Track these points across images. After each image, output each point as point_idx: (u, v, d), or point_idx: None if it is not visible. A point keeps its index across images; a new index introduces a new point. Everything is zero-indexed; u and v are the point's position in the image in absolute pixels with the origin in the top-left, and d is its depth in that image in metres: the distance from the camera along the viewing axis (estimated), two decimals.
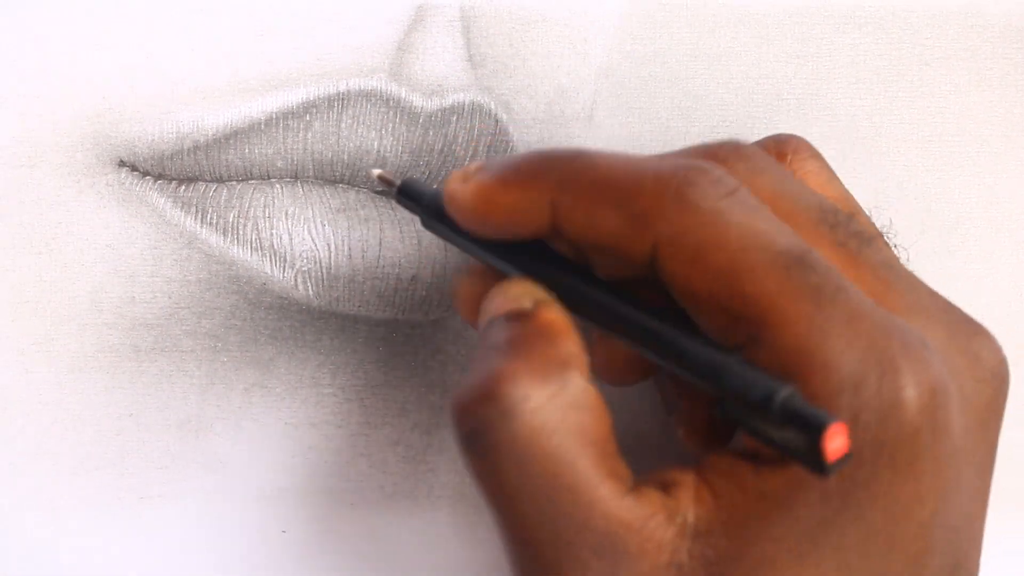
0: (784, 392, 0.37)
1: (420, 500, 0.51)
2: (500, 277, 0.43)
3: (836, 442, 0.36)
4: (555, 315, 0.41)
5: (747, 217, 0.39)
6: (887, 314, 0.39)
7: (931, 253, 0.53)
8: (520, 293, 0.42)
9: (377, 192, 0.49)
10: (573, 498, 0.38)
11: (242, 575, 0.50)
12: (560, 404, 0.39)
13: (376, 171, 0.46)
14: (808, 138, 0.51)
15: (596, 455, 0.39)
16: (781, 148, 0.46)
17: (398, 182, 0.45)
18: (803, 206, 0.41)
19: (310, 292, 0.49)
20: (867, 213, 0.46)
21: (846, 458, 0.36)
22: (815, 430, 0.36)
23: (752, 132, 0.51)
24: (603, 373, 0.43)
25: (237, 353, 0.49)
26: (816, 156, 0.46)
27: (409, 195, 0.45)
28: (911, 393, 0.37)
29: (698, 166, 0.40)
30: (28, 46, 0.46)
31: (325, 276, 0.48)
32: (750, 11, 0.51)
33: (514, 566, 0.40)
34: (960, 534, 0.39)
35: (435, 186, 0.47)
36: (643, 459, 0.42)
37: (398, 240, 0.49)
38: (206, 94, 0.47)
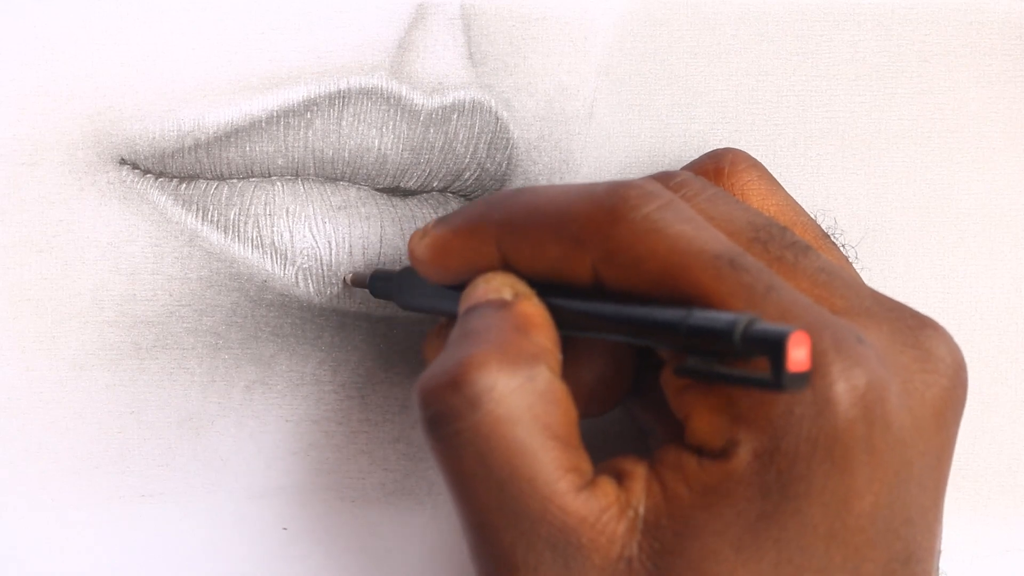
0: (745, 318, 0.37)
1: (421, 497, 0.51)
2: None
3: (798, 353, 0.36)
4: (533, 308, 0.41)
5: (679, 226, 0.40)
6: (820, 311, 0.39)
7: (930, 250, 0.53)
8: (501, 284, 0.42)
9: (378, 190, 0.49)
10: (531, 490, 0.39)
11: (243, 572, 0.50)
12: (526, 396, 0.39)
13: (348, 277, 0.48)
14: (808, 135, 0.51)
15: (558, 448, 0.39)
16: (718, 164, 0.47)
17: (367, 277, 0.48)
18: (735, 226, 0.42)
19: (311, 289, 0.49)
20: (811, 217, 0.47)
21: (806, 375, 0.37)
22: (778, 341, 0.36)
23: (752, 129, 0.51)
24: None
25: (238, 350, 0.49)
26: (753, 166, 0.47)
27: (381, 282, 0.47)
28: (842, 387, 0.38)
29: (629, 183, 0.41)
30: (29, 44, 0.46)
31: (326, 273, 0.48)
32: (750, 9, 0.51)
33: (472, 550, 0.40)
34: (913, 526, 0.40)
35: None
36: (602, 448, 0.42)
37: (399, 237, 0.49)
38: (207, 92, 0.47)
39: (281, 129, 0.48)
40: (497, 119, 0.49)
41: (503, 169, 0.50)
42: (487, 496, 0.39)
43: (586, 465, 0.40)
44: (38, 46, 0.46)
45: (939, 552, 0.42)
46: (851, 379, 0.38)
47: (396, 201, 0.49)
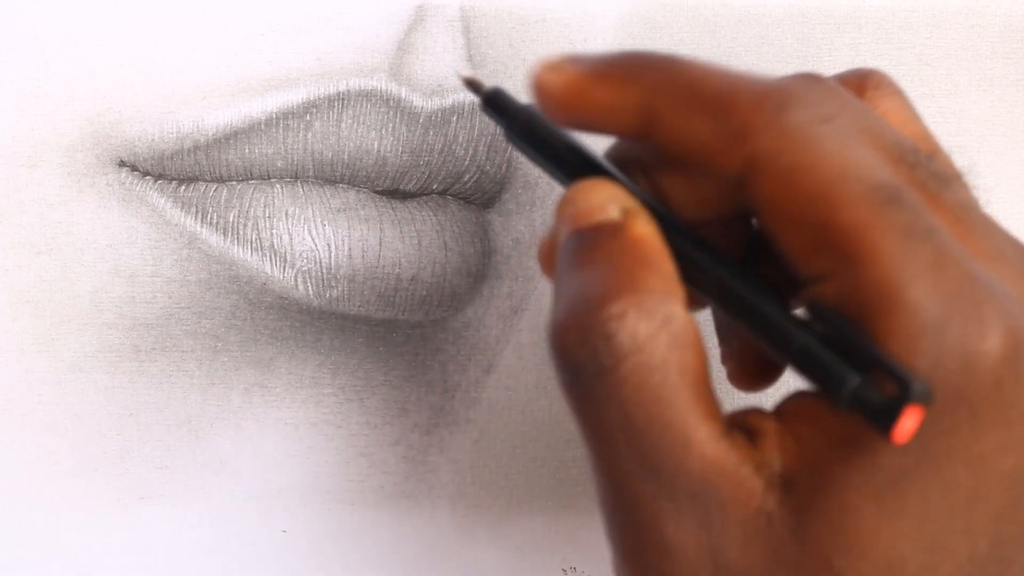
0: (853, 382, 0.36)
1: (420, 500, 0.51)
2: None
3: (908, 423, 0.35)
4: (647, 229, 0.39)
5: (844, 145, 0.37)
6: (974, 261, 0.37)
7: None
8: (606, 199, 0.40)
9: (378, 192, 0.49)
10: (672, 440, 0.37)
11: (242, 575, 0.50)
12: (665, 339, 0.37)
13: (465, 73, 0.44)
14: None
15: (696, 395, 0.37)
16: (862, 82, 0.44)
17: (485, 88, 0.43)
18: (883, 143, 0.39)
19: (310, 292, 0.49)
20: (947, 152, 0.45)
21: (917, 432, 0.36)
22: (887, 417, 0.36)
23: None
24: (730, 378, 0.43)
25: (237, 353, 0.49)
26: (897, 92, 0.44)
27: (494, 106, 0.43)
28: (995, 342, 0.36)
29: (797, 87, 0.38)
30: (29, 46, 0.46)
31: (325, 276, 0.48)
32: (750, 11, 0.51)
33: (607, 508, 0.39)
34: None
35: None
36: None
37: (398, 240, 0.49)
38: (206, 94, 0.47)
39: (280, 131, 0.48)
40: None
41: (503, 171, 0.50)
42: (627, 447, 0.37)
43: (719, 413, 0.38)
44: (38, 47, 0.46)
45: None
46: (1004, 335, 0.36)
47: (395, 203, 0.49)
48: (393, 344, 0.50)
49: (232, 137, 0.47)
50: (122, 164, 0.47)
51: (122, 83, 0.47)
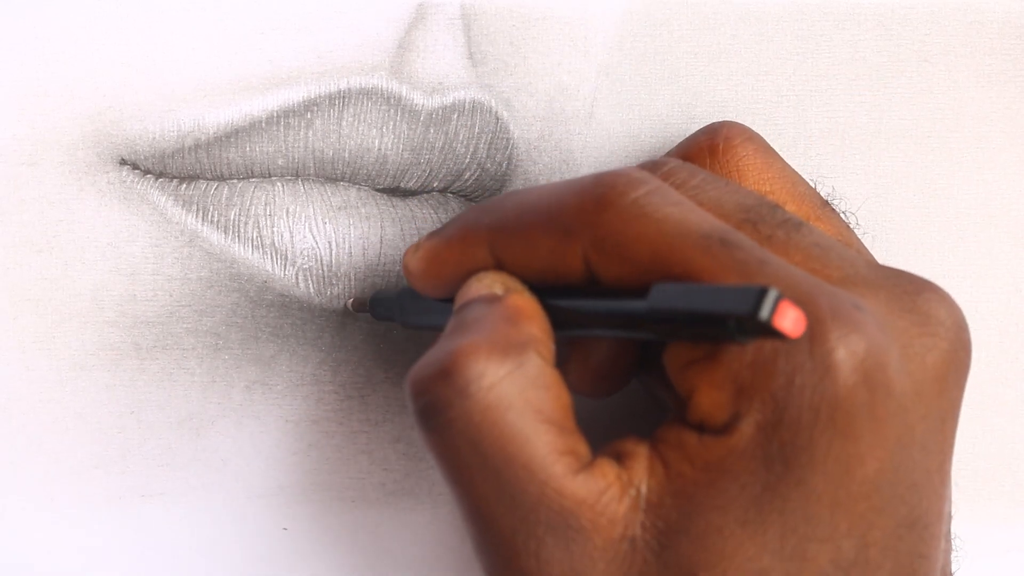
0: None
1: (421, 497, 0.51)
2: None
3: (792, 315, 0.37)
4: (523, 300, 0.41)
5: (667, 208, 0.40)
6: (815, 281, 0.39)
7: (930, 250, 0.53)
8: (493, 281, 0.42)
9: (378, 190, 0.49)
10: (527, 475, 0.39)
11: (243, 572, 0.50)
12: (516, 382, 0.39)
13: (349, 301, 0.49)
14: (808, 135, 0.51)
15: (551, 432, 0.39)
16: (712, 140, 0.47)
17: (368, 298, 0.48)
18: (725, 209, 0.42)
19: (311, 290, 0.49)
20: (809, 186, 0.47)
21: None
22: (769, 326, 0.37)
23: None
24: (578, 386, 0.44)
25: (238, 351, 0.49)
26: (749, 139, 0.47)
27: (382, 303, 0.48)
28: (842, 354, 0.38)
29: (615, 171, 0.41)
30: (29, 44, 0.46)
31: (326, 274, 0.48)
32: (750, 9, 0.51)
33: (473, 540, 0.40)
34: (918, 490, 0.40)
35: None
36: (601, 433, 0.42)
37: (399, 238, 0.49)
38: (207, 92, 0.47)
39: (281, 129, 0.48)
40: (497, 119, 0.49)
41: (503, 169, 0.50)
42: (483, 484, 0.39)
43: (583, 448, 0.40)
44: (38, 46, 0.46)
45: (949, 516, 0.42)
46: (850, 345, 0.38)
47: (396, 201, 0.49)
48: (394, 341, 0.50)
49: (233, 135, 0.47)
50: (123, 162, 0.47)
51: (123, 81, 0.47)
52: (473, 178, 0.49)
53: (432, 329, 0.46)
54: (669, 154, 0.48)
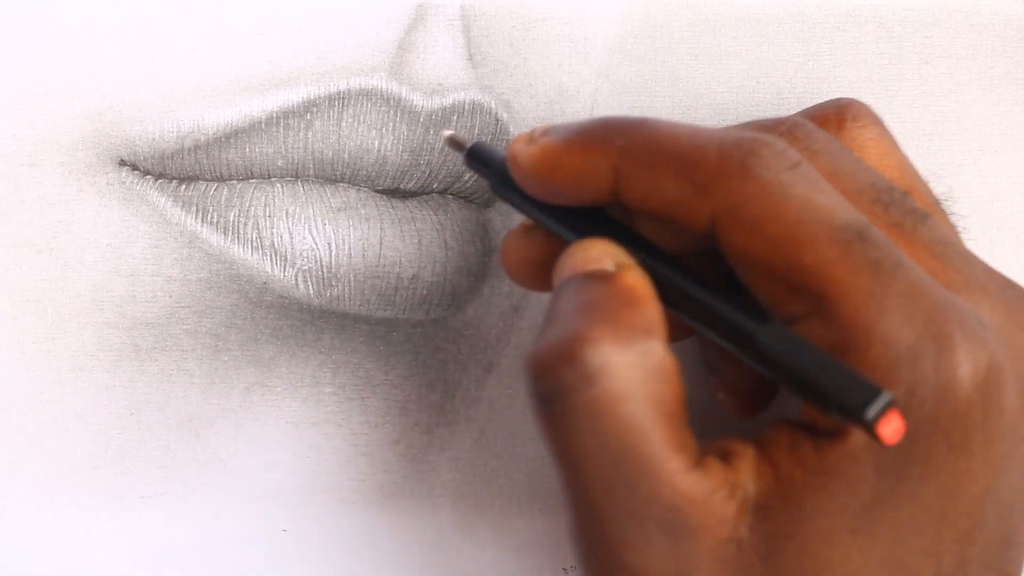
0: (853, 394, 0.37)
1: (421, 499, 0.51)
2: (554, 240, 0.43)
3: (894, 425, 0.37)
4: (637, 280, 0.41)
5: (808, 190, 0.39)
6: (945, 291, 0.39)
7: None
8: (601, 253, 0.41)
9: (378, 191, 0.49)
10: (643, 469, 0.38)
11: (243, 573, 0.50)
12: (640, 372, 0.39)
13: (447, 132, 0.46)
14: None
15: (669, 427, 0.39)
16: (841, 114, 0.45)
17: (468, 144, 0.45)
18: (858, 185, 0.41)
19: (311, 291, 0.49)
20: (925, 182, 0.46)
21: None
22: (868, 422, 0.37)
23: None
24: (727, 406, 0.44)
25: (238, 352, 0.49)
26: (876, 123, 0.46)
27: (478, 158, 0.45)
28: (967, 370, 0.38)
29: (761, 139, 0.40)
30: (29, 44, 0.46)
31: (325, 275, 0.48)
32: (751, 10, 0.51)
33: (576, 532, 0.40)
34: (1012, 509, 0.39)
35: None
36: (698, 428, 0.42)
37: (399, 239, 0.49)
38: (207, 93, 0.47)
39: (281, 130, 0.48)
40: (497, 120, 0.49)
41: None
42: (598, 474, 0.39)
43: (693, 444, 0.39)
44: (38, 46, 0.46)
45: None
46: (975, 362, 0.38)
47: (396, 203, 0.49)
48: (393, 343, 0.50)
49: (232, 136, 0.47)
50: (123, 163, 0.48)
51: (123, 82, 0.47)
52: (473, 179, 0.49)
53: (525, 212, 0.44)
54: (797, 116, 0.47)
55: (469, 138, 0.46)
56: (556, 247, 0.43)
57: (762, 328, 0.39)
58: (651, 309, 0.40)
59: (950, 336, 0.38)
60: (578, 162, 0.41)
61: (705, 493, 0.39)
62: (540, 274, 0.44)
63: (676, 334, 0.43)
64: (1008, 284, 0.41)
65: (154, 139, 0.47)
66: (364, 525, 0.50)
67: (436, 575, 0.51)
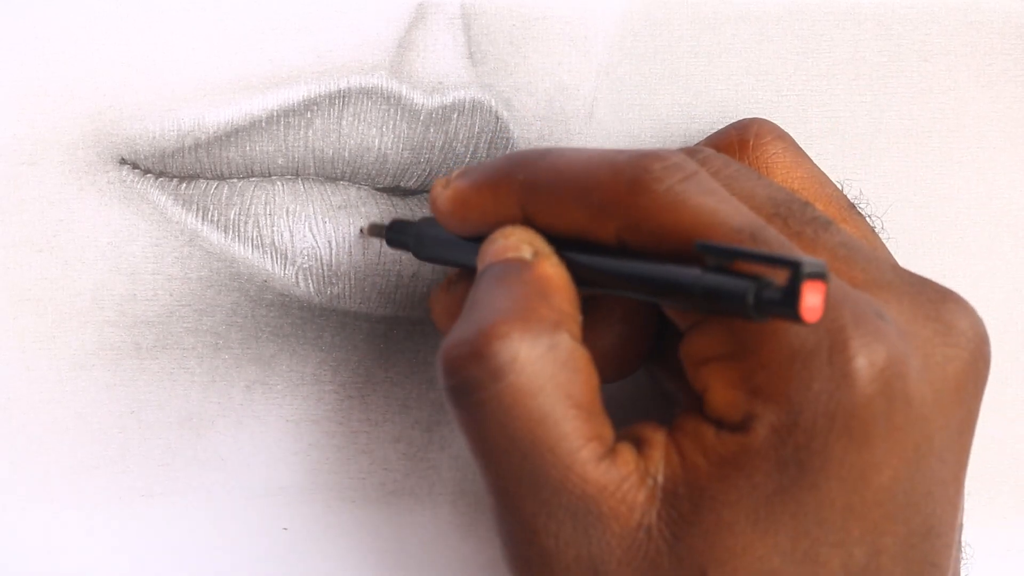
0: (750, 288, 0.37)
1: (421, 497, 0.51)
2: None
3: (813, 300, 0.37)
4: (553, 269, 0.42)
5: (702, 198, 0.40)
6: (841, 285, 0.39)
7: (930, 250, 0.53)
8: (520, 240, 0.42)
9: (378, 189, 0.49)
10: (553, 459, 0.39)
11: (243, 572, 0.50)
12: (548, 364, 0.39)
13: (364, 225, 0.48)
14: (808, 135, 0.51)
15: (580, 417, 0.40)
16: (743, 136, 0.47)
17: (387, 223, 0.48)
18: (756, 202, 0.42)
19: (311, 289, 0.49)
20: (837, 188, 0.47)
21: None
22: (791, 303, 0.37)
23: None
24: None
25: (238, 350, 0.49)
26: (780, 137, 0.47)
27: (399, 231, 0.47)
28: (861, 363, 0.38)
29: (654, 153, 0.41)
30: (29, 44, 0.46)
31: (326, 273, 0.48)
32: (750, 8, 0.51)
33: (494, 516, 0.41)
34: (933, 500, 0.40)
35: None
36: (622, 412, 0.43)
37: None
38: (207, 92, 0.47)
39: (281, 129, 0.48)
40: (497, 118, 0.49)
41: None
42: (509, 465, 0.39)
43: (608, 432, 0.40)
44: (38, 46, 0.46)
45: (961, 525, 0.42)
46: (870, 354, 0.38)
47: (396, 201, 0.49)
48: (394, 341, 0.50)
49: (233, 135, 0.47)
50: (123, 162, 0.47)
51: (123, 81, 0.47)
52: None
53: (447, 263, 0.46)
54: (699, 144, 0.48)
55: (381, 223, 0.48)
56: None
57: (690, 271, 0.39)
58: (564, 299, 0.41)
59: (842, 329, 0.38)
60: (486, 200, 0.43)
61: (615, 482, 0.39)
62: None
63: (623, 369, 0.45)
64: (917, 280, 0.41)
65: (155, 138, 0.47)
66: (364, 523, 0.50)
67: (436, 574, 0.51)
